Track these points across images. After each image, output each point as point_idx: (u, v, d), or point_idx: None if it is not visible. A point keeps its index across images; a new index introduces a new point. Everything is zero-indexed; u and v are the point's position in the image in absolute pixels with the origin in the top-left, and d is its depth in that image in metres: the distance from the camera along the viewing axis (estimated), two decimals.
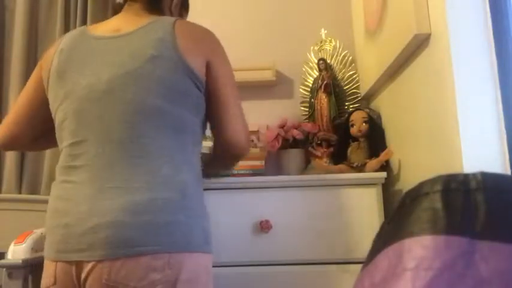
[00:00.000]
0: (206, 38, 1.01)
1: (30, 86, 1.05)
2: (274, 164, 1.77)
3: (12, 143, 1.06)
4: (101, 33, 1.00)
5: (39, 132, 1.07)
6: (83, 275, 0.82)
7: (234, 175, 1.50)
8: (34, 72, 1.06)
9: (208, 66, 0.97)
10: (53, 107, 0.98)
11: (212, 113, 1.01)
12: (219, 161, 1.12)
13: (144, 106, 0.88)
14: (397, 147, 1.45)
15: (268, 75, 1.91)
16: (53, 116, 0.99)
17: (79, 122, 0.91)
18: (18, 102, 1.07)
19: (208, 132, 1.36)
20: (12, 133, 1.05)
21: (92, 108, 0.90)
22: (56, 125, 0.97)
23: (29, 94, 1.05)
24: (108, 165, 0.86)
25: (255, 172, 1.54)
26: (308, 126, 1.70)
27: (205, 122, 1.04)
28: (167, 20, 0.99)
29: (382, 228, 0.42)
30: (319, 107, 1.75)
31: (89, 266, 0.81)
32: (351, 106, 1.79)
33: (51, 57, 1.01)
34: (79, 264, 0.82)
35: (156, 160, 0.86)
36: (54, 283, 0.85)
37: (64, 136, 0.94)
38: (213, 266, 1.42)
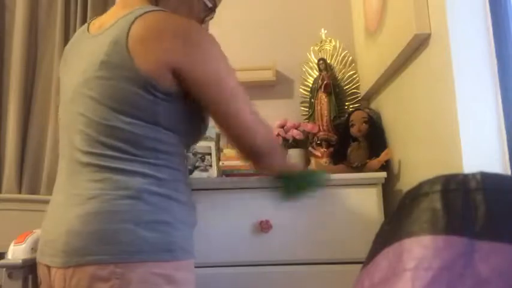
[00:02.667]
0: (173, 38, 0.84)
1: None
2: None
3: None
4: (93, 29, 0.95)
5: None
6: (51, 279, 0.85)
7: (234, 175, 1.50)
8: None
9: (178, 73, 0.85)
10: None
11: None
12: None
13: (94, 119, 0.84)
14: (397, 147, 1.45)
15: (268, 75, 1.91)
16: None
17: (60, 125, 0.95)
18: None
19: (210, 132, 1.36)
20: None
21: (63, 114, 0.93)
22: None
23: None
24: (71, 174, 0.87)
25: (255, 172, 1.54)
26: (308, 126, 1.70)
27: (192, 126, 0.96)
28: (134, 14, 0.85)
29: (382, 228, 0.42)
30: (319, 107, 1.75)
31: (53, 271, 0.84)
32: (351, 106, 1.79)
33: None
34: (49, 268, 0.86)
35: (107, 170, 0.83)
36: (41, 283, 0.91)
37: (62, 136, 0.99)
38: (213, 266, 1.42)
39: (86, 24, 1.01)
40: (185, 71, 0.85)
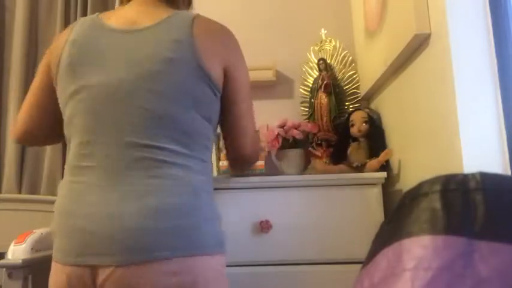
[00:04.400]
0: (226, 38, 0.97)
1: (39, 77, 1.00)
2: (274, 164, 1.77)
3: (26, 138, 1.03)
4: (116, 24, 0.93)
5: (51, 124, 1.02)
6: (100, 280, 0.79)
7: (233, 175, 1.50)
8: (42, 62, 1.00)
9: (226, 70, 0.94)
10: (61, 100, 0.94)
11: (223, 122, 1.00)
12: (231, 165, 1.12)
13: (156, 112, 0.86)
14: (397, 147, 1.45)
15: (268, 75, 1.91)
16: (61, 109, 0.95)
17: (90, 120, 0.87)
18: (28, 94, 1.02)
19: None
20: (27, 127, 1.01)
21: (105, 107, 0.87)
22: (65, 121, 0.93)
23: (38, 84, 1.00)
24: (120, 168, 0.84)
25: (255, 172, 1.54)
26: (308, 126, 1.70)
27: (217, 125, 1.03)
28: (185, 16, 0.93)
29: (381, 228, 0.42)
30: (319, 107, 1.75)
31: (107, 271, 0.79)
32: (351, 106, 1.79)
33: (60, 47, 0.95)
34: (95, 269, 0.80)
35: (166, 165, 0.84)
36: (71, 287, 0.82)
37: (73, 133, 0.90)
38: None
39: (94, 17, 0.96)
40: (231, 70, 0.95)
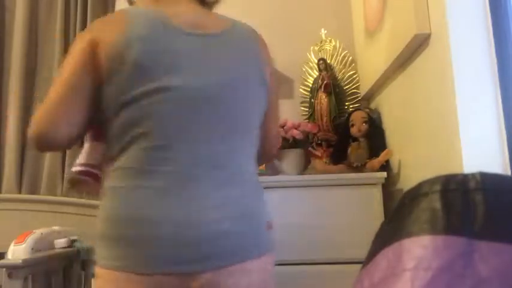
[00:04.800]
0: (266, 46, 1.02)
1: (77, 64, 0.85)
2: (274, 164, 1.77)
3: (53, 136, 0.84)
4: (184, 26, 0.89)
5: (81, 121, 0.87)
6: (195, 286, 0.79)
7: None
8: (80, 54, 0.85)
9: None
10: (113, 100, 0.84)
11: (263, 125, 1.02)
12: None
13: (235, 122, 0.88)
14: (397, 147, 1.45)
15: None
16: (105, 108, 0.85)
17: (167, 124, 0.83)
18: (60, 84, 0.85)
19: None
20: (70, 130, 0.85)
21: (184, 112, 0.84)
22: (120, 122, 0.84)
23: (78, 77, 0.84)
24: (199, 174, 0.83)
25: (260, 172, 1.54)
26: (308, 126, 1.70)
27: None
28: (249, 28, 0.99)
29: (381, 228, 0.42)
30: (319, 107, 1.75)
31: (202, 276, 0.79)
32: (351, 106, 1.79)
33: (118, 39, 0.84)
34: (188, 276, 0.79)
35: (242, 171, 0.89)
36: None
37: (139, 136, 0.83)
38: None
39: (160, 15, 0.88)
40: (269, 77, 0.98)
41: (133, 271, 0.78)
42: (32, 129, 0.84)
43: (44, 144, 0.86)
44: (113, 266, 0.79)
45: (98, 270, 0.82)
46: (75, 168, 0.95)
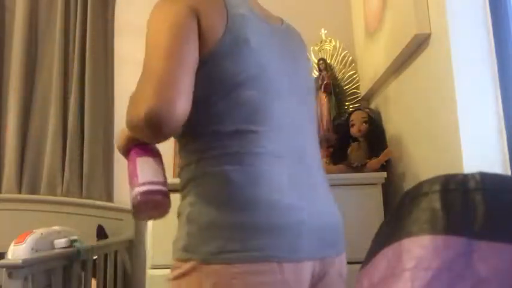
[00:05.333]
0: None
1: (183, 39, 0.74)
2: None
3: (183, 119, 0.72)
4: (262, 15, 0.88)
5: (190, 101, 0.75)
6: (321, 271, 0.80)
7: None
8: (184, 22, 0.75)
9: None
10: (224, 79, 0.77)
11: None
12: None
13: (312, 116, 0.93)
14: (397, 147, 1.45)
15: None
16: (207, 88, 0.77)
17: (279, 110, 0.80)
18: (167, 60, 0.72)
19: None
20: (186, 100, 0.72)
21: (288, 101, 0.83)
22: (233, 103, 0.77)
23: (183, 48, 0.74)
24: (307, 162, 0.85)
25: None
26: None
27: None
28: (286, 21, 1.03)
29: (381, 228, 0.42)
30: (319, 107, 1.75)
31: (337, 260, 0.83)
32: (351, 106, 1.79)
33: (222, 12, 0.78)
34: (329, 260, 0.81)
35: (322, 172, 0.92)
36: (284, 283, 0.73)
37: (251, 120, 0.77)
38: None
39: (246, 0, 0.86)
40: None
41: (280, 259, 0.72)
42: (144, 107, 0.69)
43: (162, 123, 0.68)
44: (251, 257, 0.71)
45: (208, 268, 0.71)
46: (140, 189, 0.80)
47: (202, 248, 0.72)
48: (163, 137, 0.72)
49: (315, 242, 0.77)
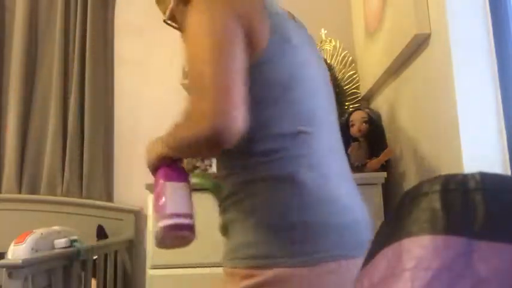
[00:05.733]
0: None
1: (233, 39, 0.71)
2: None
3: (236, 126, 0.68)
4: (283, 10, 0.87)
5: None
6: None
7: None
8: (232, 20, 0.72)
9: None
10: (277, 81, 0.76)
11: None
12: None
13: (335, 112, 0.91)
14: (397, 147, 1.45)
15: None
16: (258, 90, 0.74)
17: (318, 111, 0.80)
18: (220, 62, 0.68)
19: None
20: (246, 117, 0.69)
21: (322, 103, 0.83)
22: (285, 107, 0.76)
23: (235, 49, 0.71)
24: (343, 159, 0.86)
25: None
26: None
27: None
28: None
29: (381, 228, 0.42)
30: None
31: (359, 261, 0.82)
32: (351, 106, 1.79)
33: (260, 14, 0.75)
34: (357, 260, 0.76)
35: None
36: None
37: (304, 123, 0.77)
38: (215, 266, 1.42)
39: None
40: None
41: (347, 257, 0.73)
42: (205, 125, 0.66)
43: (225, 139, 0.66)
44: (333, 255, 0.71)
45: (287, 271, 0.70)
46: (167, 222, 0.76)
47: (284, 252, 0.71)
48: (220, 151, 0.72)
49: (367, 237, 0.78)
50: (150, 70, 2.08)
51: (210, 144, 0.67)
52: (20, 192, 2.01)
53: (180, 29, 0.92)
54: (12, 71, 2.09)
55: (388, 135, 1.56)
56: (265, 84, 0.75)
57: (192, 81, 0.71)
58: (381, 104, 1.65)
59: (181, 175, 0.82)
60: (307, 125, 0.77)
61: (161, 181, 0.80)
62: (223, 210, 0.82)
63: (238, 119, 0.66)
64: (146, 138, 2.24)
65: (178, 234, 0.77)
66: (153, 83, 2.06)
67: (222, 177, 0.81)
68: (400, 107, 1.42)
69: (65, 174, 1.99)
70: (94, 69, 2.05)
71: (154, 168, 0.84)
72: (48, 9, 2.16)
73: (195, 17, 0.73)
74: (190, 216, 0.79)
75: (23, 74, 2.07)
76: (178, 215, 0.76)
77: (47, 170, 2.00)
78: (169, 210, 0.76)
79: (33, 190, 2.04)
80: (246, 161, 0.76)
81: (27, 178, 2.03)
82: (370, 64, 1.64)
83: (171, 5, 0.89)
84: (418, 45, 1.20)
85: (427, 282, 0.31)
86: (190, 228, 0.78)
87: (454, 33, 1.01)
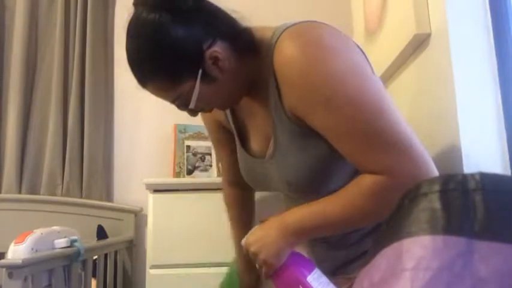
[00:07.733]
0: None
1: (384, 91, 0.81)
2: None
3: None
4: None
5: None
6: None
7: None
8: (368, 70, 0.76)
9: None
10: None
11: None
12: None
13: None
14: None
15: None
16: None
17: None
18: (404, 125, 0.74)
19: None
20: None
21: None
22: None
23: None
24: None
25: None
26: None
27: None
28: None
29: (381, 228, 0.42)
30: None
31: None
32: None
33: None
34: None
35: None
36: None
37: None
38: (215, 266, 1.42)
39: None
40: None
41: None
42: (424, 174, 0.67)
43: None
44: None
45: None
46: None
47: None
48: None
49: None
50: None
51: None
52: (20, 192, 2.01)
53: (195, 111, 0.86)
54: (12, 70, 2.08)
55: None
56: None
57: (369, 144, 0.69)
58: None
59: (308, 259, 0.71)
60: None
61: (305, 279, 0.65)
62: None
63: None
64: (146, 138, 2.24)
65: None
66: None
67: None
68: (399, 107, 1.41)
69: (65, 174, 1.99)
70: (94, 69, 2.05)
71: (279, 263, 0.71)
72: (48, 9, 2.16)
73: (333, 69, 0.71)
74: None
75: (23, 74, 2.07)
76: None
77: (47, 170, 2.00)
78: None
79: (33, 190, 2.03)
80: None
81: (27, 178, 2.03)
82: None
83: (196, 91, 0.78)
84: (418, 45, 1.20)
85: (427, 282, 0.31)
86: None
87: (454, 33, 1.01)
